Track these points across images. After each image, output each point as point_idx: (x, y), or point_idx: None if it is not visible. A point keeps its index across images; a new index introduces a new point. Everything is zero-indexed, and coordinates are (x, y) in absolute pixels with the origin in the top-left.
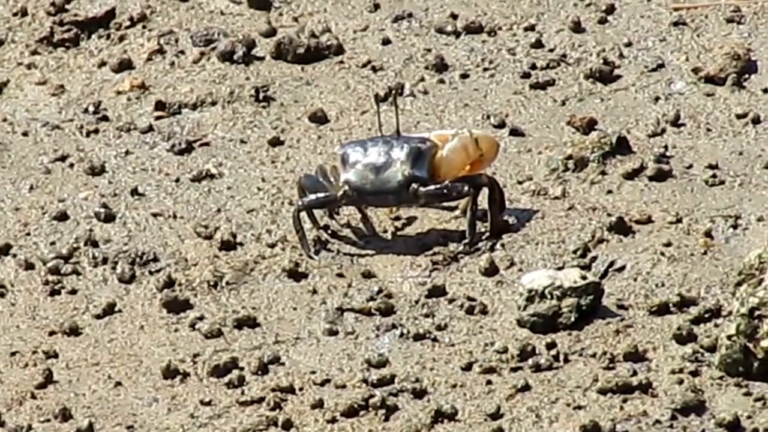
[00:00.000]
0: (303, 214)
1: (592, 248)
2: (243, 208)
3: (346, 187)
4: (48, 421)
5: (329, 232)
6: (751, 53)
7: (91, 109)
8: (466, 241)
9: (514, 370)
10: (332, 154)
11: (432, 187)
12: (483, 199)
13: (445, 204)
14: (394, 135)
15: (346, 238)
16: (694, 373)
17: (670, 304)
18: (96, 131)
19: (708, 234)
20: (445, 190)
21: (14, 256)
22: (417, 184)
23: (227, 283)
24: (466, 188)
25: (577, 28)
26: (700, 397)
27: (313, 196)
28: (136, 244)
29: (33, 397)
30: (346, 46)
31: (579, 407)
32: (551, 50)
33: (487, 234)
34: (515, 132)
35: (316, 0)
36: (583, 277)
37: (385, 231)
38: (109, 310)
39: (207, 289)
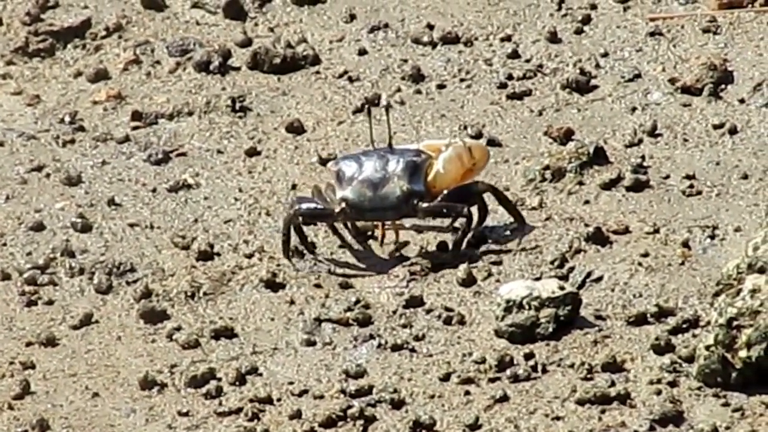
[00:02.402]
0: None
1: (570, 259)
2: (220, 219)
3: (344, 204)
4: None
5: (310, 242)
6: (728, 63)
7: (68, 119)
8: (447, 255)
9: (492, 380)
10: (327, 169)
11: (432, 204)
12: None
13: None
14: (386, 148)
15: (324, 248)
16: (673, 384)
17: (648, 315)
18: (72, 141)
19: (685, 244)
20: (444, 210)
21: None
22: (416, 199)
23: (204, 294)
24: (465, 209)
25: (554, 38)
26: (678, 407)
27: (312, 205)
28: (113, 254)
29: (10, 408)
30: (322, 56)
31: (557, 418)
32: (528, 60)
33: (515, 227)
34: (492, 142)
35: (292, 10)
36: (561, 288)
37: (365, 241)
38: (86, 320)
39: (184, 299)
